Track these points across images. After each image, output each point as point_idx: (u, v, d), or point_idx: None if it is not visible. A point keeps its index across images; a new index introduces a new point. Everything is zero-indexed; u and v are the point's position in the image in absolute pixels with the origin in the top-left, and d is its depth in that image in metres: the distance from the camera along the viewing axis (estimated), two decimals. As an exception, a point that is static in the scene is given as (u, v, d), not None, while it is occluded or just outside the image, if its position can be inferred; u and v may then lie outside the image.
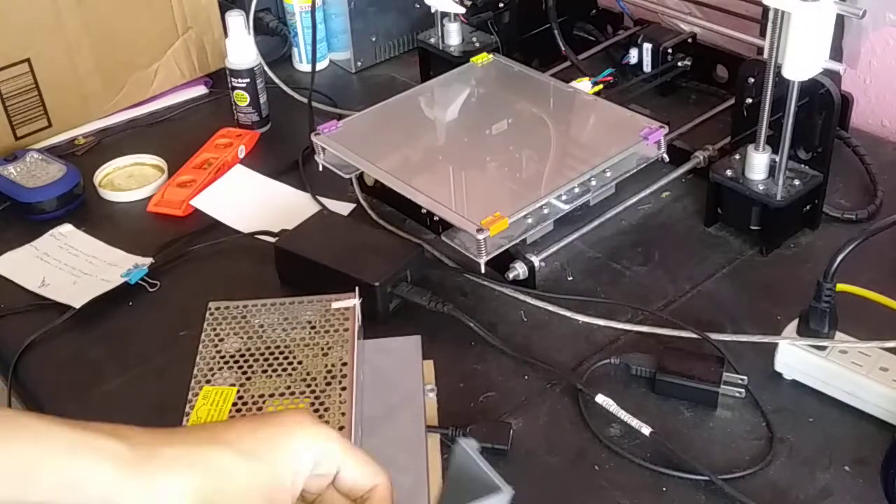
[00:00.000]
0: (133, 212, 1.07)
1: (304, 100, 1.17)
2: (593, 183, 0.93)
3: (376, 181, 0.98)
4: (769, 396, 0.78)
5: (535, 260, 0.90)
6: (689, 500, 0.71)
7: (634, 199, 0.98)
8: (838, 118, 0.93)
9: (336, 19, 1.31)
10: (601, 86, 1.09)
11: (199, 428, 0.53)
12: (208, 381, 0.74)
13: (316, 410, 0.70)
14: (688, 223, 0.98)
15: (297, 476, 0.53)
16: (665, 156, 0.96)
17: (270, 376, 0.74)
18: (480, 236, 0.84)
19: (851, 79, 1.13)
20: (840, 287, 0.74)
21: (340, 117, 1.07)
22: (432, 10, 1.17)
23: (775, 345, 0.79)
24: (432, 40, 1.20)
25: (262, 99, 1.18)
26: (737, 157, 0.94)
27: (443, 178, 0.96)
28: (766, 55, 0.86)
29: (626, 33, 1.22)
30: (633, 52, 1.17)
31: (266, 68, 1.20)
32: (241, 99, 1.17)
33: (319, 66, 1.29)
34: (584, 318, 0.86)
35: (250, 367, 0.75)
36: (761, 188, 0.91)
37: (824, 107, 0.91)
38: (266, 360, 0.75)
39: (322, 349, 0.76)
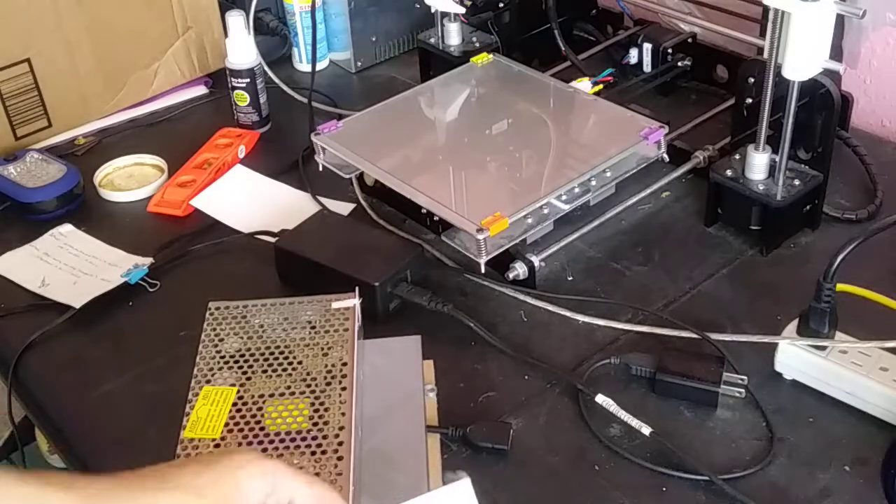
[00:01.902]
0: (133, 212, 1.07)
1: (304, 100, 1.17)
2: (593, 183, 0.93)
3: (376, 181, 0.98)
4: (769, 396, 0.78)
5: (535, 260, 0.90)
6: (689, 500, 0.71)
7: (634, 199, 0.98)
8: (838, 118, 0.93)
9: (336, 19, 1.31)
10: (601, 86, 1.09)
11: (151, 471, 0.56)
12: (208, 381, 0.74)
13: (316, 410, 0.70)
14: (688, 223, 0.98)
15: None
16: (665, 156, 0.96)
17: (270, 376, 0.74)
18: (480, 236, 0.84)
19: (851, 79, 1.13)
20: (840, 287, 0.74)
21: (340, 117, 1.07)
22: (432, 10, 1.17)
23: (775, 345, 0.79)
24: (432, 40, 1.20)
25: (262, 99, 1.18)
26: (737, 157, 0.94)
27: (443, 178, 0.96)
28: (766, 55, 0.86)
29: (626, 33, 1.22)
30: (633, 52, 1.17)
31: (266, 68, 1.20)
32: (241, 99, 1.17)
33: (319, 66, 1.29)
34: (584, 318, 0.86)
35: (250, 367, 0.75)
36: (761, 188, 0.91)
37: (824, 107, 0.91)
38: (266, 360, 0.75)
39: (322, 349, 0.76)
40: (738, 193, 0.92)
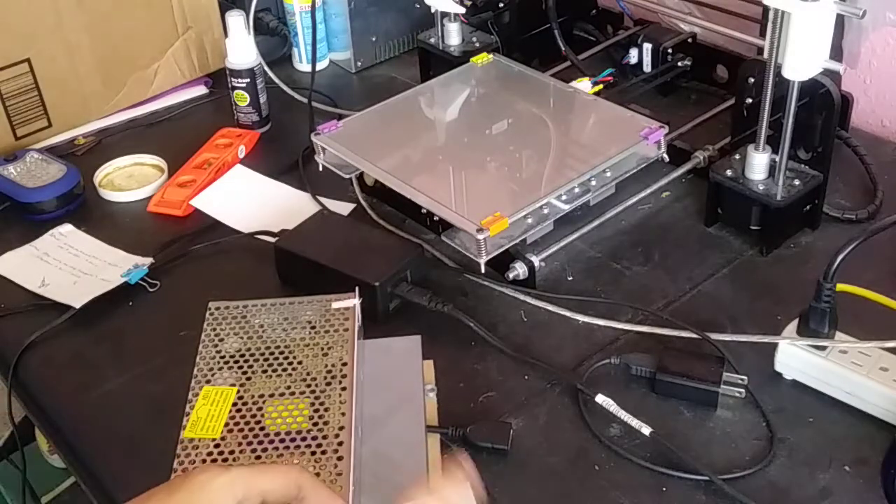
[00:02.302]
0: (133, 212, 1.07)
1: (304, 100, 1.17)
2: (593, 183, 0.93)
3: (376, 181, 0.98)
4: (769, 396, 0.78)
5: (535, 260, 0.90)
6: (689, 500, 0.71)
7: (634, 199, 0.98)
8: (838, 118, 0.93)
9: (336, 19, 1.31)
10: (601, 86, 1.09)
11: None
12: (208, 381, 0.74)
13: (316, 410, 0.70)
14: (688, 223, 0.98)
15: None
16: (665, 156, 0.96)
17: (270, 376, 0.74)
18: (480, 236, 0.84)
19: (851, 79, 1.13)
20: (840, 287, 0.74)
21: (340, 117, 1.07)
22: (432, 10, 1.17)
23: (775, 345, 0.79)
24: (432, 40, 1.20)
25: (262, 99, 1.18)
26: (737, 157, 0.94)
27: (443, 178, 0.96)
28: (766, 55, 0.86)
29: (626, 33, 1.22)
30: (633, 52, 1.17)
31: (266, 68, 1.20)
32: (241, 99, 1.17)
33: (319, 66, 1.29)
34: (584, 318, 0.86)
35: (250, 367, 0.75)
36: (761, 188, 0.91)
37: (824, 107, 0.91)
38: (266, 360, 0.75)
39: (322, 349, 0.76)
40: (738, 193, 0.92)
